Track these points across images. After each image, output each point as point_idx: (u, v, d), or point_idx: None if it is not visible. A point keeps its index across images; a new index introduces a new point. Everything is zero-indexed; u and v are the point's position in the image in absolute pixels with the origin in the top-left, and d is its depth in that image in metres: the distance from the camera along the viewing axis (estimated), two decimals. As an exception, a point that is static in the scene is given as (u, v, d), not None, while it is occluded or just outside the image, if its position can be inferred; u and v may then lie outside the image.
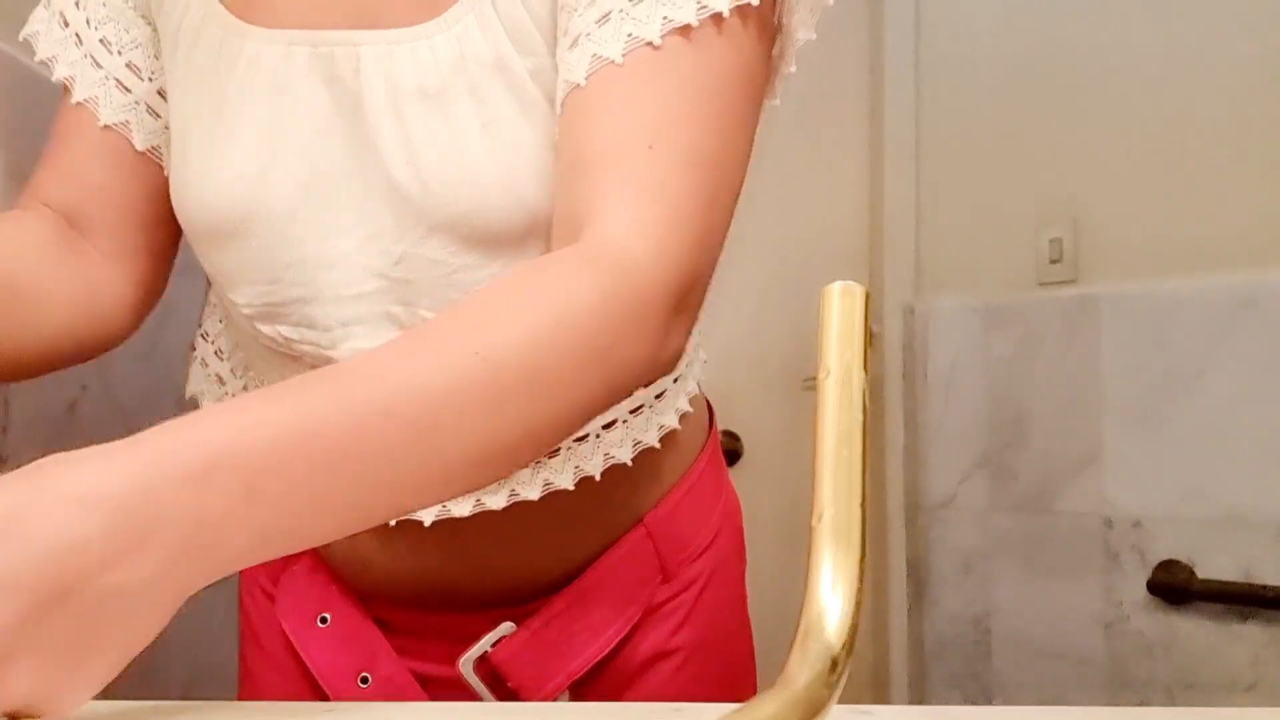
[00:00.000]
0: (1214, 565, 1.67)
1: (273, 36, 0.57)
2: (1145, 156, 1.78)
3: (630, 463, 0.63)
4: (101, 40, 0.63)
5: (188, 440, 0.37)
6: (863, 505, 0.33)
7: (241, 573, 0.72)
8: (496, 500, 0.60)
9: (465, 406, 0.42)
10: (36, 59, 0.64)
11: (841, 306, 0.36)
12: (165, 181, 0.63)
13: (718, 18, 0.50)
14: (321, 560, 0.68)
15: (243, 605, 0.76)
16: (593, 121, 0.50)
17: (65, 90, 0.64)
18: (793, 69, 0.61)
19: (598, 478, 0.62)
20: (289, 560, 0.69)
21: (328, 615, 0.67)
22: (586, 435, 0.61)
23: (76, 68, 0.63)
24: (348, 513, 0.41)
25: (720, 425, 0.82)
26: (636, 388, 0.50)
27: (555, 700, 0.64)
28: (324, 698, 0.67)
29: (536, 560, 0.65)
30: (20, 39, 0.65)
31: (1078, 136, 1.87)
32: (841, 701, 0.32)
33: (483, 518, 0.61)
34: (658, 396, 0.65)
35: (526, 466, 0.52)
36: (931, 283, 2.07)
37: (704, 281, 0.52)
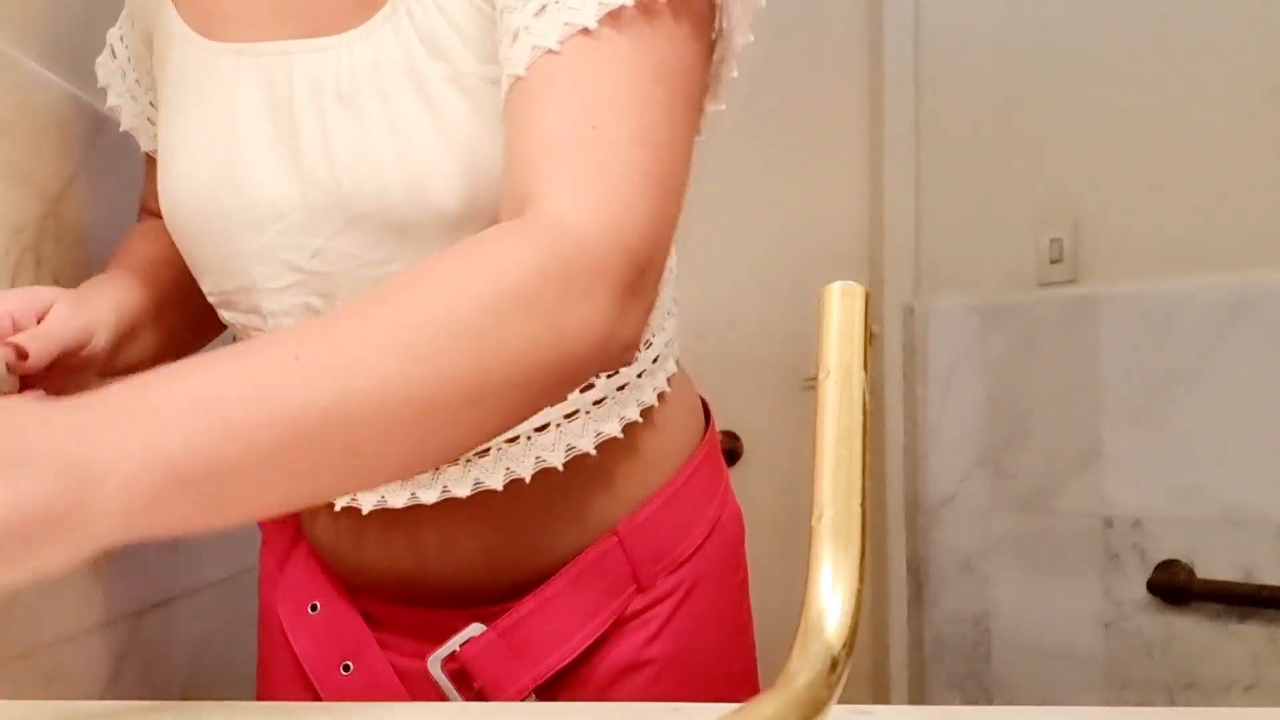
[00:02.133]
0: (1214, 565, 1.67)
1: (225, 49, 0.62)
2: (1145, 156, 1.78)
3: (594, 451, 0.63)
4: (137, 80, 0.73)
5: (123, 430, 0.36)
6: (863, 505, 0.33)
7: (261, 559, 0.76)
8: (461, 489, 0.62)
9: (404, 399, 0.41)
10: (99, 85, 0.74)
11: (841, 306, 0.36)
12: None
13: (651, 7, 0.51)
14: (315, 556, 0.71)
15: (260, 596, 0.79)
16: (535, 109, 0.50)
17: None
18: (735, 74, 0.61)
19: (560, 468, 0.62)
20: (294, 545, 0.72)
21: (318, 603, 0.70)
22: (547, 425, 0.62)
23: (122, 99, 0.73)
24: (271, 502, 0.41)
25: (720, 425, 0.81)
26: (592, 365, 0.48)
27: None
28: (312, 690, 0.69)
29: (504, 559, 0.66)
30: (97, 65, 0.75)
31: (1078, 136, 1.87)
32: (841, 701, 0.32)
33: (450, 510, 0.63)
34: (620, 389, 0.65)
35: (476, 444, 0.48)
36: (931, 283, 2.07)
37: (656, 265, 0.51)
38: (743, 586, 0.77)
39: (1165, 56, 1.77)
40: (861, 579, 0.32)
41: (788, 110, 2.09)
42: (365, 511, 0.64)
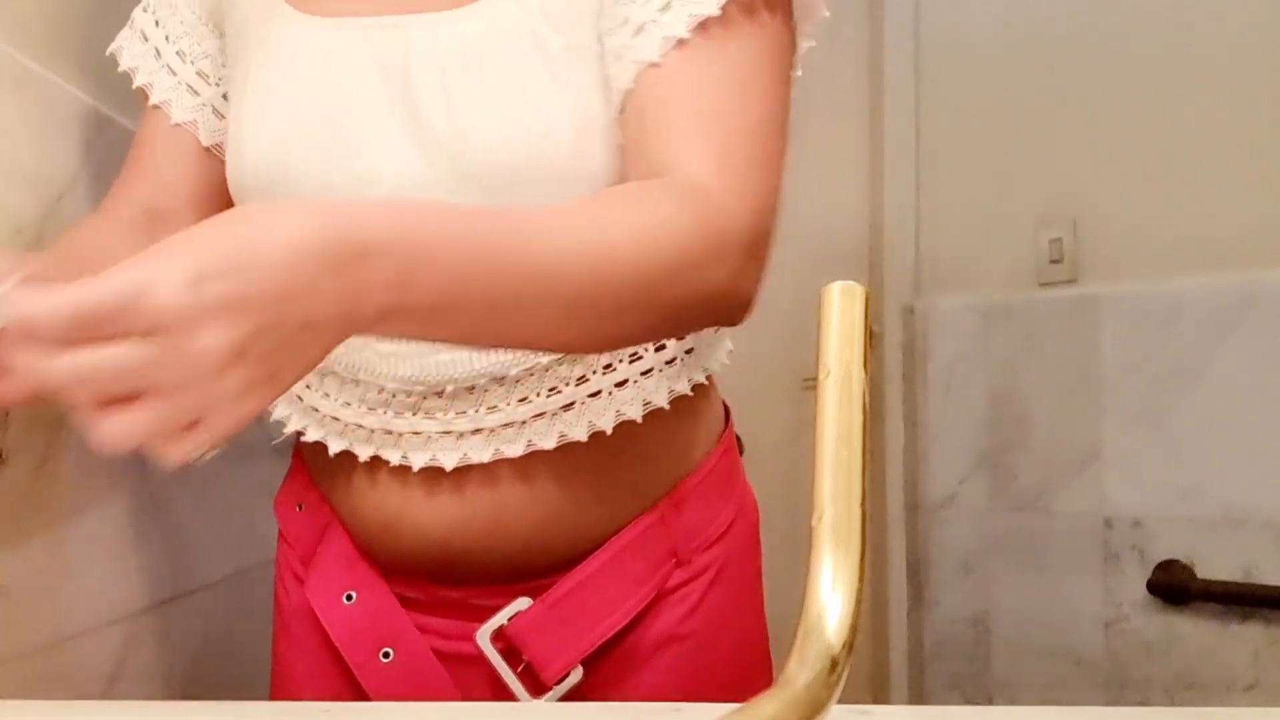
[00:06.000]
0: (1214, 565, 1.67)
1: (328, 23, 0.65)
2: (1145, 156, 1.78)
3: (640, 420, 0.66)
4: (178, 52, 0.73)
5: (380, 221, 0.45)
6: (863, 505, 0.33)
7: (277, 566, 0.77)
8: (514, 449, 0.65)
9: (584, 282, 0.50)
10: (120, 69, 0.75)
11: (841, 306, 0.36)
12: (221, 174, 0.71)
13: (756, 8, 0.59)
14: (350, 541, 0.72)
15: (276, 598, 0.79)
16: (671, 92, 0.58)
17: (144, 97, 0.74)
18: (812, 43, 0.68)
19: (608, 432, 0.65)
20: (318, 543, 0.73)
21: (353, 593, 0.71)
22: (600, 391, 0.66)
23: (154, 76, 0.73)
24: (467, 322, 0.50)
25: (721, 425, 0.81)
26: (715, 311, 0.56)
27: (568, 675, 0.66)
28: (349, 674, 0.69)
29: (549, 533, 0.68)
30: (107, 53, 0.76)
31: (1078, 136, 1.87)
32: (841, 701, 0.32)
33: (498, 482, 0.65)
34: (668, 362, 0.69)
35: (620, 345, 0.60)
36: (931, 282, 2.07)
37: (771, 234, 0.59)
38: (759, 572, 0.79)
39: (1165, 56, 1.77)
40: (861, 579, 0.32)
41: (788, 110, 2.09)
42: (416, 469, 0.66)
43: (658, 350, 0.68)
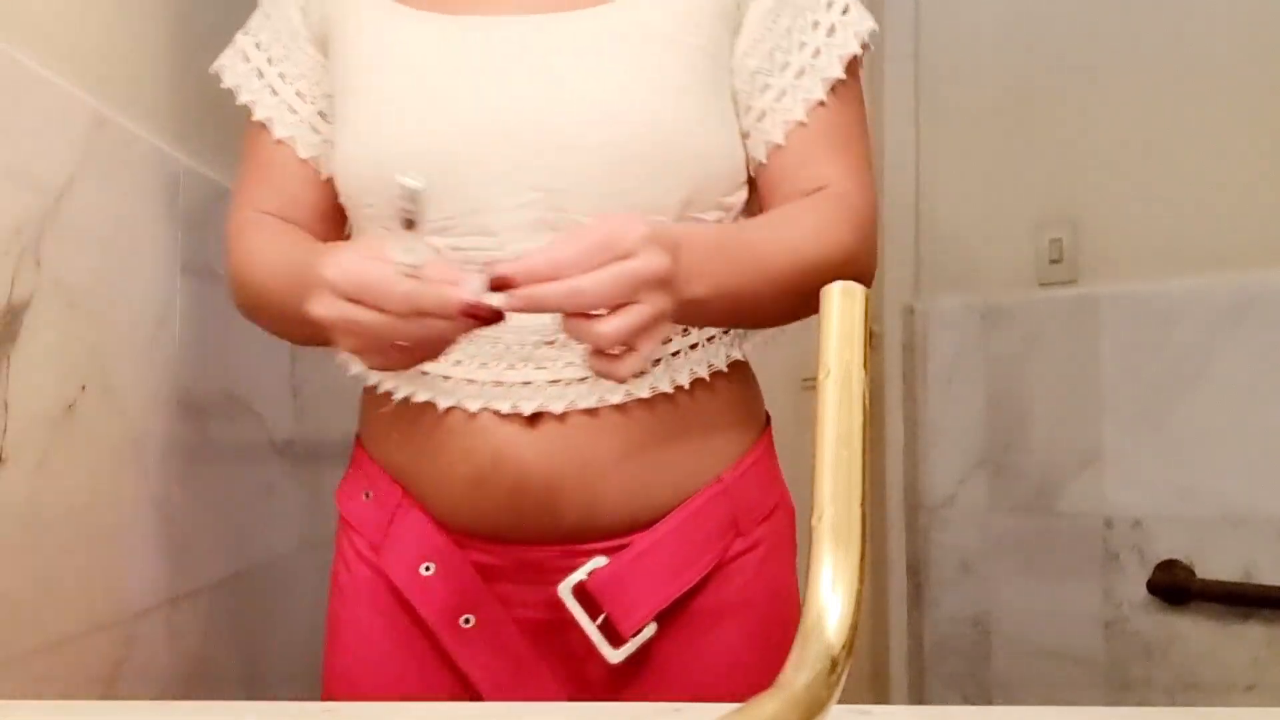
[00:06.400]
0: (1214, 565, 1.67)
1: (468, 22, 0.74)
2: (1145, 156, 1.78)
3: (708, 377, 0.77)
4: (281, 74, 0.81)
5: (675, 227, 0.69)
6: (863, 505, 0.33)
7: (337, 550, 0.83)
8: (614, 396, 0.73)
9: (790, 271, 0.71)
10: (223, 85, 0.82)
11: (841, 306, 0.36)
12: (324, 184, 0.80)
13: (860, 57, 0.79)
14: (423, 515, 0.77)
15: (336, 580, 0.82)
16: (812, 136, 0.77)
17: (248, 111, 0.81)
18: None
19: (686, 386, 0.76)
20: (390, 524, 0.78)
21: (431, 564, 0.76)
22: (660, 359, 0.76)
23: (257, 94, 0.81)
24: (729, 306, 0.70)
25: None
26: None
27: (642, 630, 0.72)
28: (428, 644, 0.75)
29: (632, 486, 0.74)
30: (210, 71, 0.83)
31: (1078, 136, 1.87)
32: (841, 701, 0.32)
33: (593, 432, 0.73)
34: (710, 338, 0.80)
35: (791, 318, 0.77)
36: (931, 283, 2.07)
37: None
38: (795, 565, 0.83)
39: (1165, 57, 1.77)
40: (861, 579, 0.32)
41: (788, 110, 2.09)
42: (521, 415, 0.73)
43: (684, 335, 0.77)
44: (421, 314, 0.58)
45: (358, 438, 0.84)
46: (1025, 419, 1.90)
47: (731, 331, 0.80)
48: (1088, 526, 1.81)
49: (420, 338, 0.60)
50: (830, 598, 0.32)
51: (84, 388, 0.78)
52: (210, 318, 1.00)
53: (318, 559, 1.27)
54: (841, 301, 0.36)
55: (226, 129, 1.07)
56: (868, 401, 0.35)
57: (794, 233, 0.73)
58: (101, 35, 0.85)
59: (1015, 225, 1.95)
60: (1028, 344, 1.91)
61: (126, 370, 0.84)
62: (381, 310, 0.58)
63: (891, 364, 2.06)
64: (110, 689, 0.81)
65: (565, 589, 0.72)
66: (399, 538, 0.77)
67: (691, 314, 0.67)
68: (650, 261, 0.60)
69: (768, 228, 0.74)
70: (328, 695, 0.81)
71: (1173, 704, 1.72)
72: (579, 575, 0.72)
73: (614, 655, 0.71)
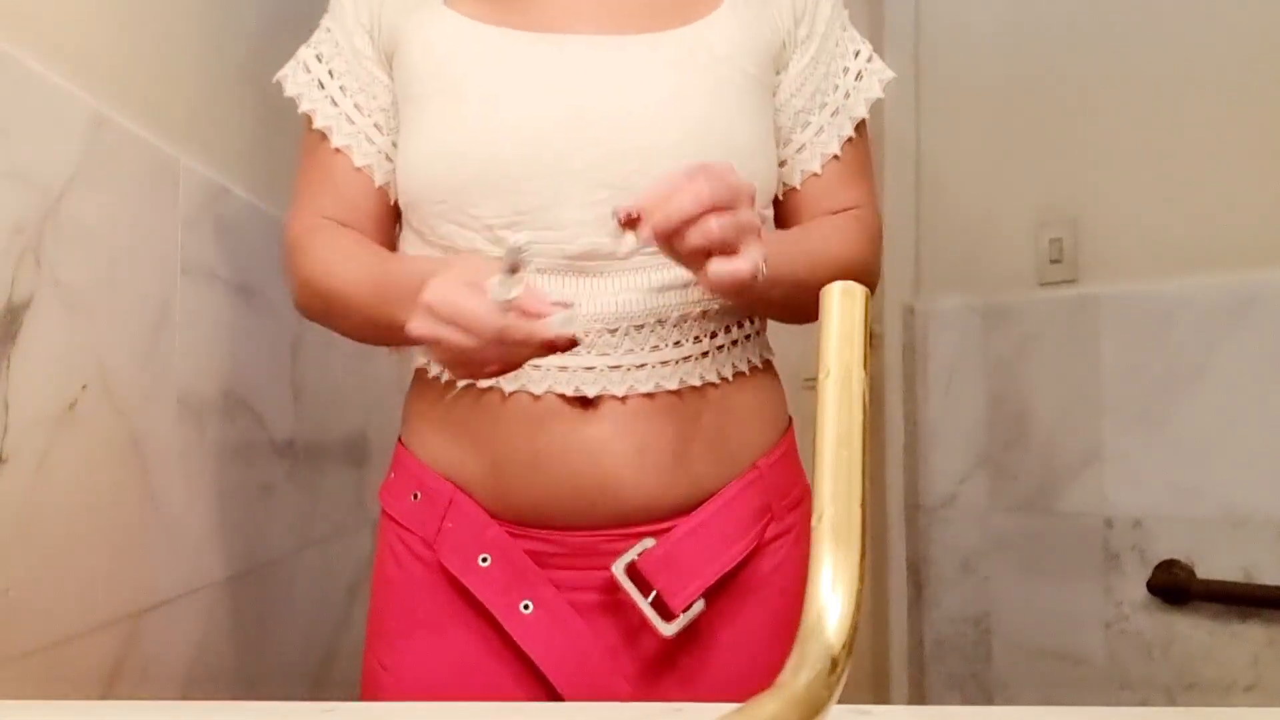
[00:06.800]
0: (1214, 565, 1.67)
1: (552, 39, 0.81)
2: (1145, 156, 1.78)
3: (748, 371, 0.85)
4: (341, 87, 0.86)
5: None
6: (863, 505, 0.33)
7: (381, 548, 0.87)
8: (670, 383, 0.80)
9: (824, 272, 0.72)
10: (286, 94, 0.88)
11: (841, 306, 0.36)
12: (377, 191, 0.86)
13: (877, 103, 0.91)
14: (476, 509, 0.81)
15: (384, 576, 0.86)
16: (846, 167, 0.89)
17: (308, 120, 0.87)
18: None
19: (747, 372, 0.85)
20: (442, 520, 0.82)
21: (488, 556, 0.80)
22: (708, 352, 0.82)
23: (317, 104, 0.86)
24: (780, 296, 0.77)
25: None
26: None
27: (692, 605, 0.77)
28: (492, 630, 0.79)
29: (679, 471, 0.80)
30: (274, 80, 0.88)
31: (1077, 136, 1.86)
32: (841, 701, 0.32)
33: (648, 417, 0.79)
34: (757, 333, 0.88)
35: (804, 320, 0.79)
36: (931, 283, 2.07)
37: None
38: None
39: (1165, 56, 1.77)
40: (861, 579, 0.32)
41: (788, 110, 2.08)
42: (585, 398, 0.78)
43: (726, 331, 0.84)
44: (509, 344, 0.66)
45: (400, 441, 0.88)
46: (1025, 419, 1.90)
47: (762, 333, 0.89)
48: (1088, 526, 1.81)
49: (505, 360, 0.68)
50: (830, 598, 0.32)
51: (84, 388, 0.78)
52: (210, 318, 1.00)
53: (317, 559, 1.27)
54: (841, 301, 0.36)
55: (227, 129, 1.07)
56: (868, 401, 0.35)
57: (832, 240, 0.84)
58: (101, 35, 0.85)
59: (1015, 225, 1.95)
60: (1028, 344, 1.91)
61: (126, 370, 0.84)
62: (472, 334, 0.66)
63: (891, 364, 2.06)
64: (110, 689, 0.81)
65: (619, 568, 0.77)
66: (453, 534, 0.82)
67: (757, 285, 0.71)
68: (754, 217, 0.69)
69: (815, 233, 0.85)
70: (373, 692, 0.84)
71: (1173, 704, 1.72)
72: (630, 555, 0.78)
73: (667, 629, 0.76)
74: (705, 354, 0.81)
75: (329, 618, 1.30)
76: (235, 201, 1.06)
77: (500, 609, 0.79)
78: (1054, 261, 1.89)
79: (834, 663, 0.31)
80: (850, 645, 0.31)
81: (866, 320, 0.36)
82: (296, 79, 0.88)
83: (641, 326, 0.79)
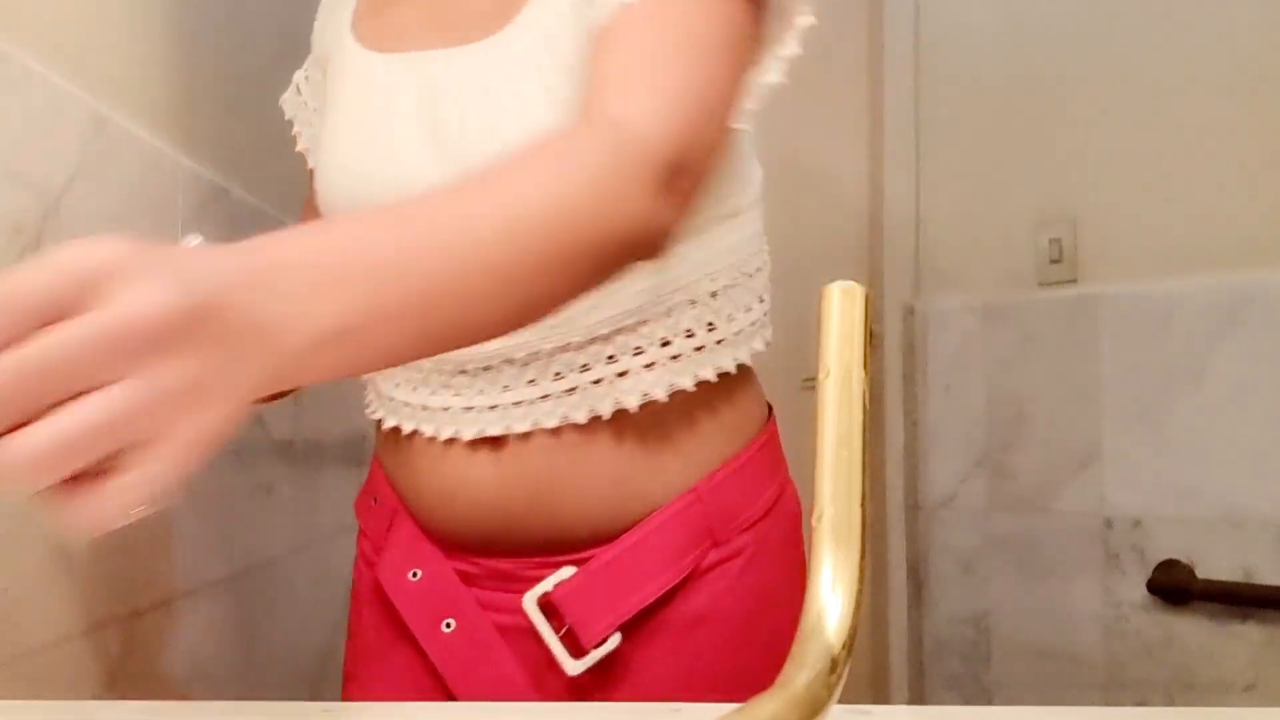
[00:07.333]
0: (1214, 565, 1.67)
1: (391, 59, 0.76)
2: (1145, 156, 1.78)
3: (694, 388, 0.73)
4: (315, 109, 0.88)
5: (260, 248, 0.42)
6: (863, 505, 0.33)
7: (359, 548, 0.86)
8: (550, 420, 0.72)
9: (507, 246, 0.50)
10: (287, 117, 0.90)
11: (841, 306, 0.36)
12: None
13: None
14: (415, 524, 0.79)
15: (356, 577, 0.86)
16: (614, 44, 0.63)
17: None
18: (798, 50, 0.72)
19: (665, 398, 0.72)
20: (389, 530, 0.81)
21: (418, 571, 0.78)
22: (627, 371, 0.72)
23: (300, 127, 0.88)
24: (412, 328, 0.47)
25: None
26: (634, 243, 0.57)
27: (606, 640, 0.71)
28: (415, 647, 0.76)
29: (589, 504, 0.74)
30: (279, 103, 0.90)
31: (1077, 136, 1.87)
32: (841, 701, 0.32)
33: (542, 454, 0.72)
34: (718, 342, 0.75)
35: (551, 310, 0.56)
36: (931, 283, 2.07)
37: (694, 171, 0.61)
38: (802, 564, 0.82)
39: (1165, 56, 1.77)
40: (861, 579, 0.32)
41: (788, 110, 2.09)
42: (465, 441, 0.73)
43: (663, 346, 0.73)
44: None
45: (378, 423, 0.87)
46: (1025, 419, 1.90)
47: (728, 339, 0.76)
48: (1087, 526, 1.81)
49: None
50: (830, 598, 0.32)
51: (84, 388, 0.78)
52: (210, 318, 1.00)
53: (316, 559, 1.27)
54: (841, 301, 0.36)
55: (227, 129, 1.07)
56: (868, 401, 0.35)
57: (503, 191, 0.52)
58: (101, 35, 0.85)
59: (1015, 225, 1.95)
60: (1027, 344, 1.91)
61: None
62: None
63: (891, 364, 2.06)
64: (110, 689, 0.81)
65: (530, 600, 0.73)
66: (394, 544, 0.80)
67: (327, 362, 0.43)
68: (135, 306, 0.34)
69: (462, 193, 0.51)
70: (344, 695, 0.85)
71: (1172, 704, 1.72)
72: (544, 586, 0.73)
73: (573, 667, 0.71)
74: (571, 390, 0.71)
75: (328, 618, 1.30)
76: (235, 201, 1.06)
77: (421, 627, 0.76)
78: (1054, 261, 1.89)
79: (834, 663, 0.31)
80: (850, 645, 0.31)
81: (867, 320, 0.36)
82: (290, 100, 0.90)
83: (489, 368, 0.73)
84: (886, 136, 2.08)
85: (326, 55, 0.85)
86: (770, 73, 0.72)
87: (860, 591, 0.32)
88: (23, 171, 0.71)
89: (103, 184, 0.81)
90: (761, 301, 0.81)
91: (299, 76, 0.90)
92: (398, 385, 0.77)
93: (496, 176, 0.52)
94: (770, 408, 0.85)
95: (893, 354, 2.06)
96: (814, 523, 0.33)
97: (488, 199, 0.51)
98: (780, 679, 0.31)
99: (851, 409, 0.34)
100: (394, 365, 0.55)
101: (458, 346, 0.52)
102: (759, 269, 0.81)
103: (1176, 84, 1.75)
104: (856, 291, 0.36)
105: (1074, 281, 1.87)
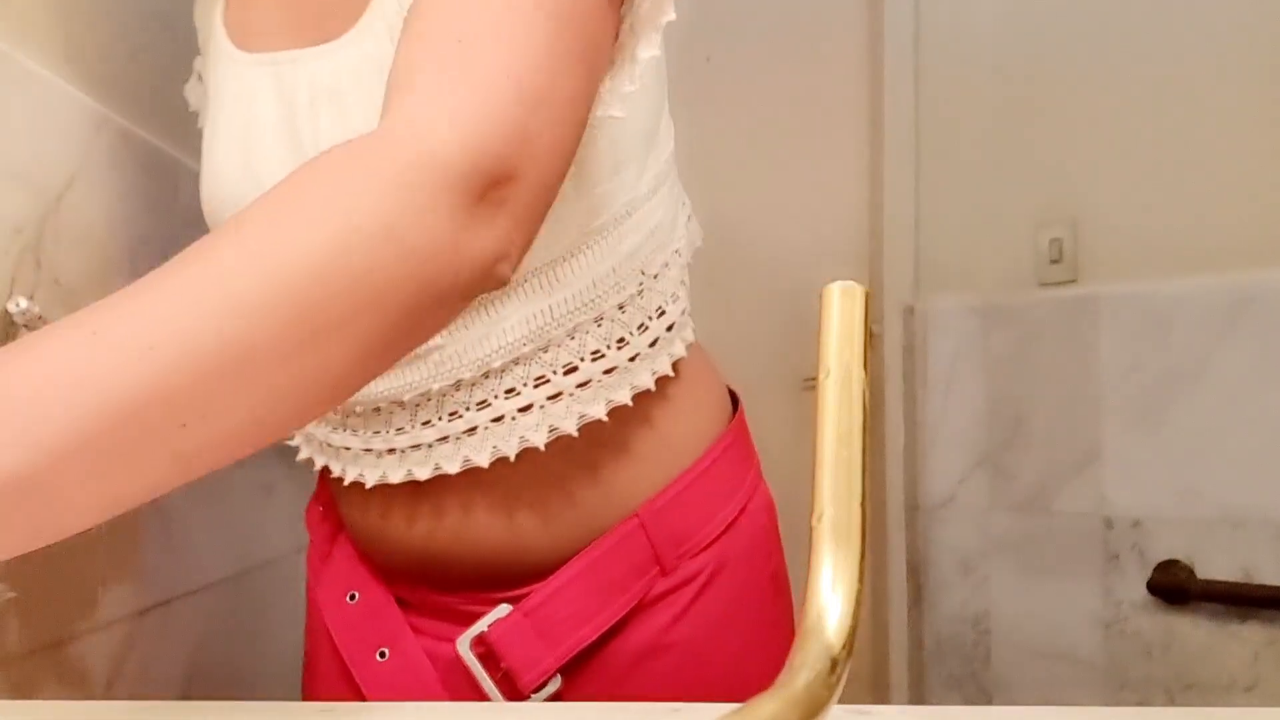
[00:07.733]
0: (1213, 565, 1.67)
1: (253, 59, 0.69)
2: (1145, 156, 1.78)
3: (606, 418, 0.65)
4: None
5: None
6: (863, 505, 0.33)
7: (307, 559, 0.81)
8: (451, 465, 0.65)
9: (230, 359, 0.38)
10: (191, 108, 0.83)
11: (841, 306, 0.36)
12: None
13: None
14: (354, 545, 0.75)
15: (307, 590, 0.82)
16: (414, 26, 0.50)
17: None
18: (656, 52, 0.61)
19: (512, 458, 0.64)
20: (334, 542, 0.77)
21: (356, 593, 0.73)
22: (531, 405, 0.64)
23: (203, 116, 0.79)
24: (149, 448, 0.37)
25: (720, 425, 0.80)
26: (449, 281, 0.45)
27: (546, 684, 0.66)
28: (345, 670, 0.72)
29: (517, 542, 0.67)
30: (184, 93, 0.84)
31: (1077, 136, 1.87)
32: (841, 701, 0.32)
33: (459, 493, 0.66)
34: (631, 359, 0.66)
35: (344, 391, 0.44)
36: (931, 283, 2.07)
37: (527, 180, 0.48)
38: (776, 577, 0.76)
39: (1165, 57, 1.77)
40: (861, 579, 0.32)
41: (788, 110, 2.09)
42: (388, 482, 0.67)
43: (567, 374, 0.64)
44: None
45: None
46: (1025, 419, 1.90)
47: (643, 353, 0.67)
48: (1087, 526, 1.81)
49: None
50: (830, 598, 0.32)
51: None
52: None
53: (317, 559, 1.27)
54: (841, 301, 0.36)
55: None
56: (868, 401, 0.35)
57: (266, 240, 0.41)
58: (101, 35, 0.85)
59: (1015, 225, 1.95)
60: (1027, 344, 1.91)
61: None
62: None
63: (891, 364, 2.06)
64: (110, 689, 0.81)
65: (464, 644, 0.67)
66: (336, 560, 0.76)
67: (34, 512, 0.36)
68: None
69: (198, 255, 0.42)
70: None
71: (1172, 704, 1.72)
72: (480, 627, 0.67)
73: (534, 705, 0.65)
74: (471, 430, 0.64)
75: (329, 618, 1.30)
76: (235, 201, 1.06)
77: (354, 654, 0.71)
78: (1054, 261, 1.89)
79: (834, 663, 0.31)
80: (850, 645, 0.31)
81: (867, 320, 0.36)
82: (194, 89, 0.83)
83: (378, 409, 0.67)
84: (886, 136, 2.08)
85: (205, 43, 0.77)
86: (642, 44, 0.60)
87: (860, 591, 0.32)
88: (23, 171, 0.71)
89: (103, 184, 0.81)
90: (675, 300, 0.71)
91: (199, 64, 0.81)
92: (353, 431, 0.71)
93: (251, 223, 0.41)
94: (736, 402, 0.79)
95: (893, 354, 2.06)
96: (814, 523, 0.33)
97: (229, 259, 0.39)
98: (780, 679, 0.31)
99: (851, 409, 0.34)
100: (156, 495, 0.41)
101: (255, 448, 0.41)
102: (665, 264, 0.70)
103: (1176, 84, 1.75)
104: (856, 291, 0.36)
105: (1074, 282, 1.87)
